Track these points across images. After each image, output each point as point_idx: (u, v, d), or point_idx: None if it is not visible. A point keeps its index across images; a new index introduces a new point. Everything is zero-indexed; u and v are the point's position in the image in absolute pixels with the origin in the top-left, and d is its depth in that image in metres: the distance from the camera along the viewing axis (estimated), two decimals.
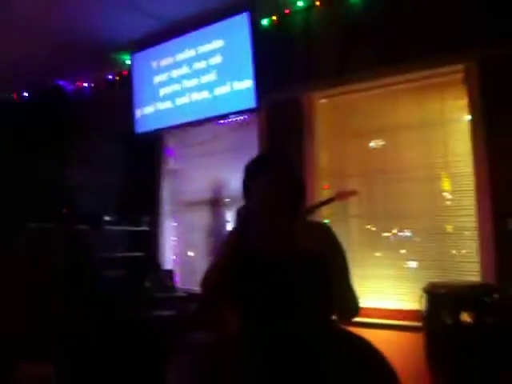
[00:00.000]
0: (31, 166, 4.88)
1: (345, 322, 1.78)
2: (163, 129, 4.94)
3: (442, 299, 2.80)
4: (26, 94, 5.72)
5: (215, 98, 4.33)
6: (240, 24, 4.07)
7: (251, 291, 1.71)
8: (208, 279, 1.77)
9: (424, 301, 2.89)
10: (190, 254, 5.10)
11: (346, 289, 1.74)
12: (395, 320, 3.44)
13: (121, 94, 5.13)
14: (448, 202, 3.51)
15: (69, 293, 4.31)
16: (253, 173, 1.81)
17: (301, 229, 1.78)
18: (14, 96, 5.84)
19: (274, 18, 4.15)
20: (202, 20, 4.24)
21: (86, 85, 5.55)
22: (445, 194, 3.53)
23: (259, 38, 4.06)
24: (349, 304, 1.75)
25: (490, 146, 3.19)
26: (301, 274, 1.66)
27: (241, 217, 1.71)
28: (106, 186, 5.15)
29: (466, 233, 3.37)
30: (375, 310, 3.55)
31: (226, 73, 4.26)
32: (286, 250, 1.71)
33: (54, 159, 5.02)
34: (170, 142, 5.22)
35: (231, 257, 1.74)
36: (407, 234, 3.67)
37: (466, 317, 2.67)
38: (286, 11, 4.09)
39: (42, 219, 4.46)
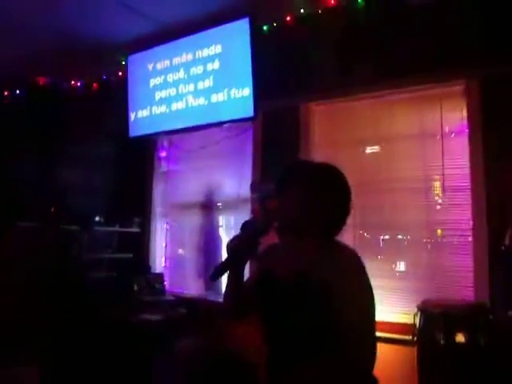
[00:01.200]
0: (21, 164, 4.81)
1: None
2: (157, 133, 4.86)
3: (437, 319, 2.77)
4: (18, 92, 5.59)
5: (211, 104, 4.23)
6: (240, 29, 3.97)
7: (266, 316, 1.66)
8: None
9: (418, 319, 2.87)
10: (181, 257, 5.05)
11: (362, 332, 1.48)
12: (386, 333, 3.40)
13: (115, 95, 5.04)
14: (444, 216, 3.47)
15: (55, 293, 4.26)
16: (282, 183, 1.67)
17: (327, 252, 1.58)
18: (6, 93, 5.72)
19: (275, 24, 4.07)
20: (200, 24, 4.13)
21: (79, 84, 5.45)
22: (440, 207, 3.49)
23: (258, 44, 3.96)
24: (361, 349, 1.47)
25: (487, 161, 3.17)
26: (307, 303, 1.50)
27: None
28: (97, 186, 5.10)
29: (460, 247, 3.35)
30: None
31: (223, 79, 4.16)
32: (302, 274, 1.54)
33: (45, 158, 4.94)
34: (164, 144, 5.16)
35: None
36: (400, 245, 3.64)
37: (460, 337, 2.65)
38: (288, 18, 4.00)
39: (29, 218, 4.40)
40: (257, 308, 1.68)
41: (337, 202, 1.62)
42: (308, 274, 1.53)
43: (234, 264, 1.63)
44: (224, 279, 1.72)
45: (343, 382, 1.44)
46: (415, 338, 2.88)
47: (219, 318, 2.85)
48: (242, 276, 1.70)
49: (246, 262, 1.68)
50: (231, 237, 1.64)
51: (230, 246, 1.60)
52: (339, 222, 1.64)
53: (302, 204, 1.59)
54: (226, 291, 1.73)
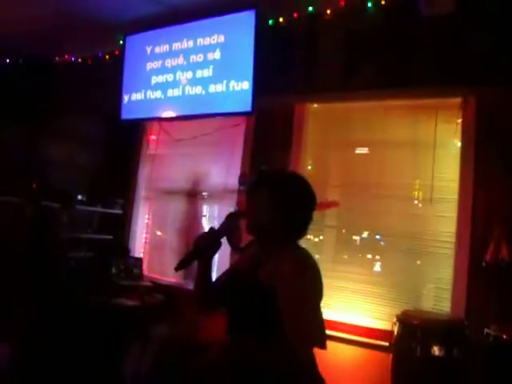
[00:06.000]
0: (4, 137, 4.66)
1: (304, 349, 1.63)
2: (150, 119, 4.78)
3: (415, 330, 2.79)
4: (7, 61, 5.39)
5: (209, 95, 4.15)
6: (245, 21, 3.90)
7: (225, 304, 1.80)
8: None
9: (396, 328, 2.90)
10: (161, 243, 5.01)
11: (298, 319, 1.59)
12: (364, 337, 3.44)
13: (109, 74, 4.92)
14: (428, 226, 3.49)
15: (31, 270, 4.19)
16: (251, 187, 1.78)
17: (283, 253, 1.68)
18: None
19: (281, 19, 4.00)
20: (205, 11, 4.03)
21: (73, 59, 5.30)
22: (425, 217, 3.51)
23: (261, 37, 3.88)
24: (301, 333, 1.58)
25: (477, 176, 3.20)
26: (248, 297, 1.67)
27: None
28: (82, 164, 5.01)
29: (442, 259, 3.38)
30: (344, 324, 3.55)
31: (223, 70, 4.08)
32: (252, 272, 1.70)
33: (30, 131, 4.82)
34: (153, 127, 5.06)
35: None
36: (382, 251, 3.67)
37: (436, 350, 2.69)
38: (295, 14, 3.94)
39: (9, 193, 4.30)
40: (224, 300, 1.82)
41: (299, 211, 1.72)
42: (258, 273, 1.69)
43: (197, 258, 1.79)
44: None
45: (276, 361, 1.58)
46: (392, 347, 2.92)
47: (193, 308, 2.90)
48: (209, 270, 1.85)
49: (210, 258, 1.84)
50: (199, 234, 1.81)
51: (195, 242, 1.77)
52: (300, 230, 1.75)
53: (267, 209, 1.69)
54: (194, 284, 1.91)
